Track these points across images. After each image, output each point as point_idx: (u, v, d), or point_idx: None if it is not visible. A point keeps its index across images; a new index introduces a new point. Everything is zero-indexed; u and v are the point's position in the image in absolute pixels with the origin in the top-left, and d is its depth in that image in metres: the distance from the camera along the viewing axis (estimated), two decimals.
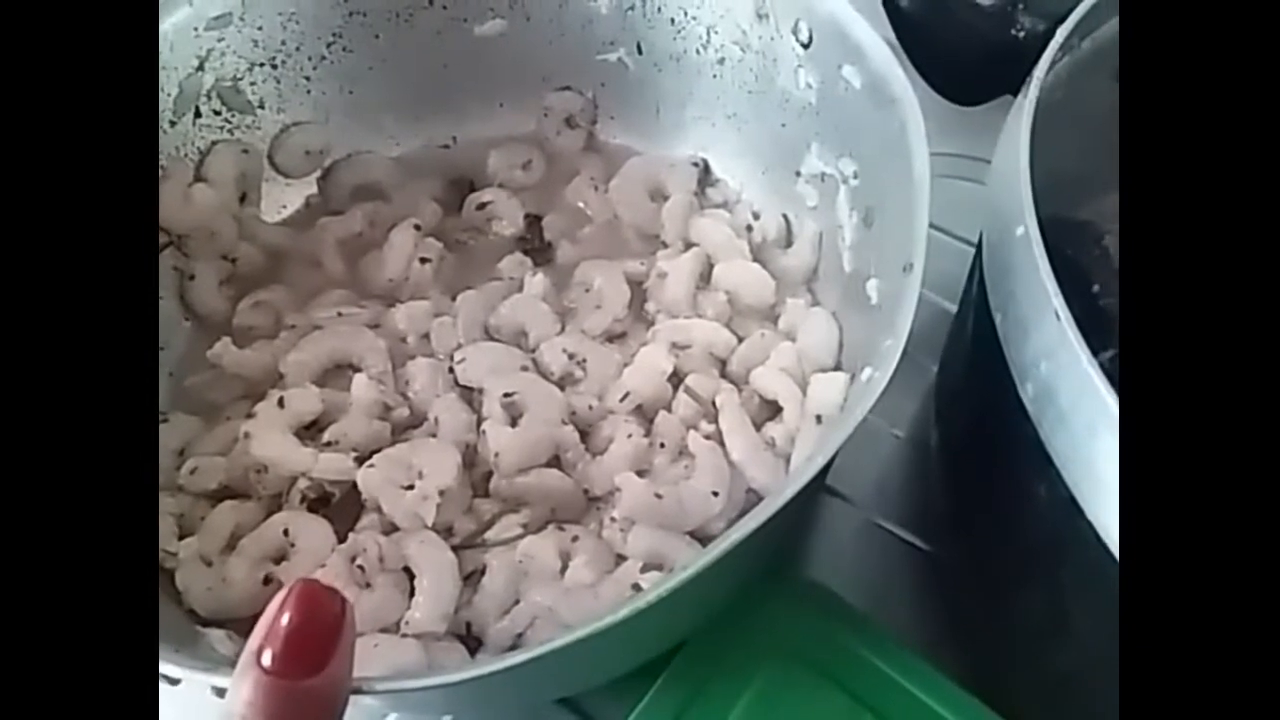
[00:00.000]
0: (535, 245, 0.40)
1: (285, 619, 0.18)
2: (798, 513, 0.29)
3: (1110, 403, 0.19)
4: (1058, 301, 0.21)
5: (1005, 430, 0.24)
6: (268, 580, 0.30)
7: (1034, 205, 0.23)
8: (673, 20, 0.38)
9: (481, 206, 0.40)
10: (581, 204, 0.40)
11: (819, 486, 0.34)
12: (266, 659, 0.18)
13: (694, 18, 0.37)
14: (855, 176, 0.33)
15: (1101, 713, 0.26)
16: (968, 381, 0.30)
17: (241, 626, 0.30)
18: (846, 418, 0.24)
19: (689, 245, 0.38)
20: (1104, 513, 0.21)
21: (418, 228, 0.39)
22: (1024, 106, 0.26)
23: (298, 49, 0.39)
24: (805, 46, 0.34)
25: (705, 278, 0.37)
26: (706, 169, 0.40)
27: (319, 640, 0.18)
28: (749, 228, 0.38)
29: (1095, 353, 0.21)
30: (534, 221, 0.40)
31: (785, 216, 0.38)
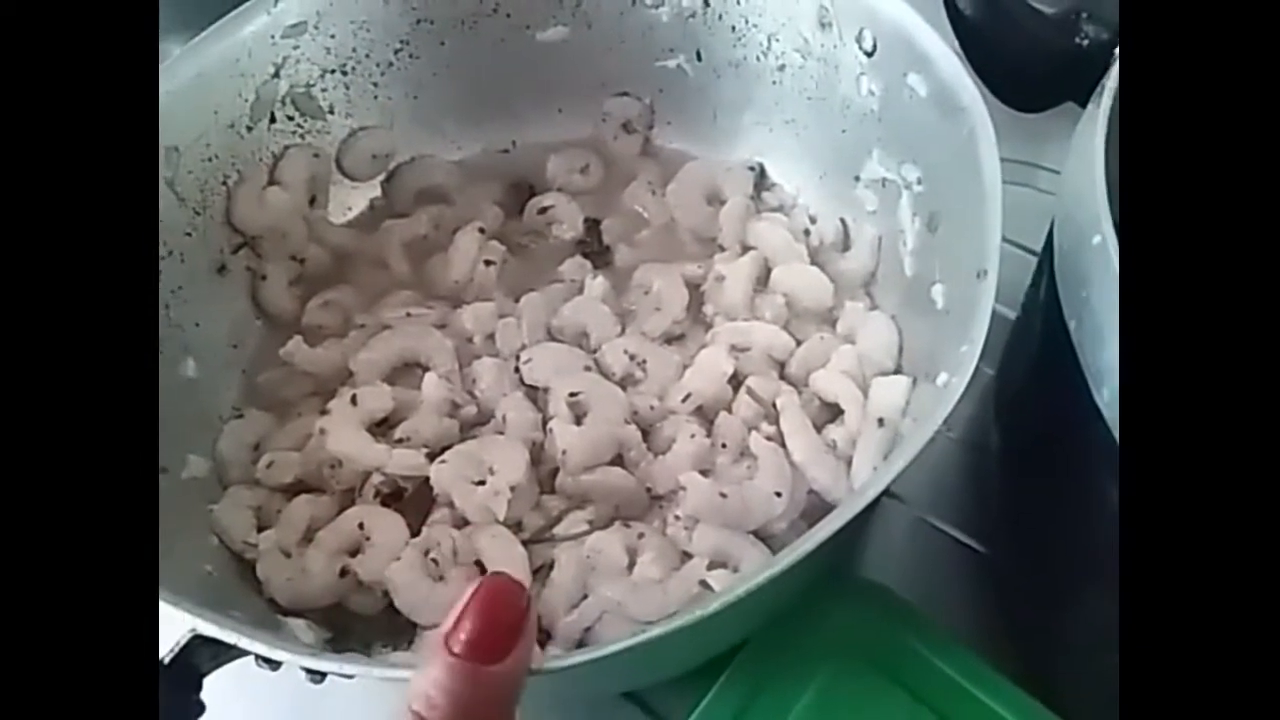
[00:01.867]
0: (594, 248, 0.40)
1: (475, 611, 0.20)
2: (864, 519, 0.29)
3: None
4: None
5: (1075, 433, 0.25)
6: (344, 572, 0.32)
7: (1110, 213, 0.24)
8: (733, 28, 0.39)
9: (543, 210, 0.41)
10: (639, 208, 0.41)
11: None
12: (456, 644, 0.20)
13: (755, 25, 0.38)
14: (919, 183, 0.34)
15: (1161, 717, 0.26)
16: (1033, 385, 0.30)
17: (319, 616, 0.31)
18: (924, 424, 0.24)
19: (746, 249, 0.39)
20: None
21: (481, 231, 0.40)
22: (1096, 116, 0.26)
23: (367, 56, 0.40)
24: (869, 55, 0.34)
25: (762, 281, 0.38)
26: (763, 173, 0.41)
27: (504, 631, 0.20)
28: (806, 231, 0.39)
29: None
30: (593, 225, 0.41)
31: (843, 220, 0.38)
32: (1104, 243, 0.23)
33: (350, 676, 0.24)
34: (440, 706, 0.19)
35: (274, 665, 0.23)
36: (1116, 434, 0.22)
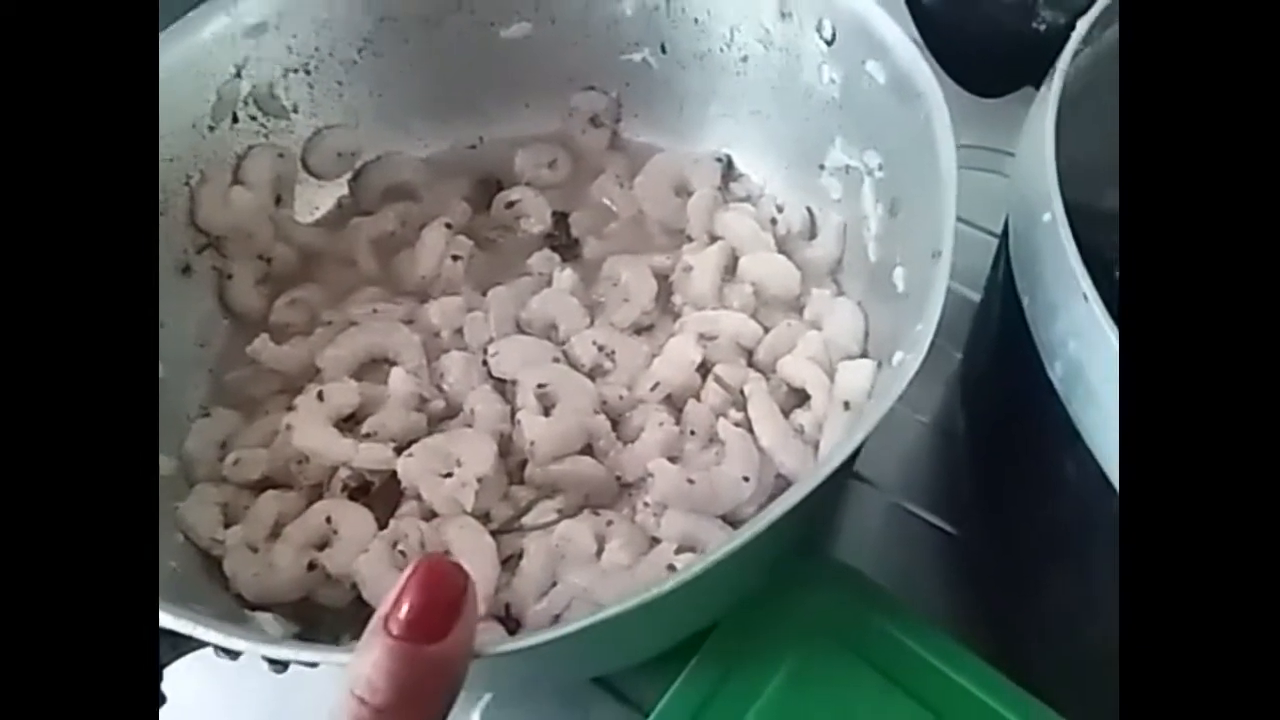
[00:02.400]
0: (563, 242, 0.40)
1: (412, 591, 0.20)
2: (827, 497, 0.29)
3: None
4: (1085, 283, 0.22)
5: (1034, 411, 0.25)
6: (311, 566, 0.31)
7: (1060, 192, 0.24)
8: (696, 20, 0.39)
9: (510, 205, 0.41)
10: (607, 201, 0.41)
11: (848, 472, 0.35)
12: (395, 625, 0.20)
13: (717, 17, 0.38)
14: (880, 169, 0.34)
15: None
16: (994, 365, 0.30)
17: (287, 610, 0.31)
18: (880, 401, 0.24)
19: (714, 239, 0.39)
20: None
21: (449, 226, 0.40)
22: (1048, 97, 0.26)
23: (330, 54, 0.40)
24: (828, 43, 0.35)
25: (730, 270, 0.38)
26: (730, 164, 0.41)
27: (443, 610, 0.20)
28: (773, 220, 0.39)
29: None
30: (561, 219, 0.41)
31: (809, 209, 0.39)
32: (1054, 220, 0.23)
33: (313, 665, 0.24)
34: (381, 689, 0.19)
35: (233, 655, 0.23)
36: (1070, 410, 0.23)
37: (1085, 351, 0.22)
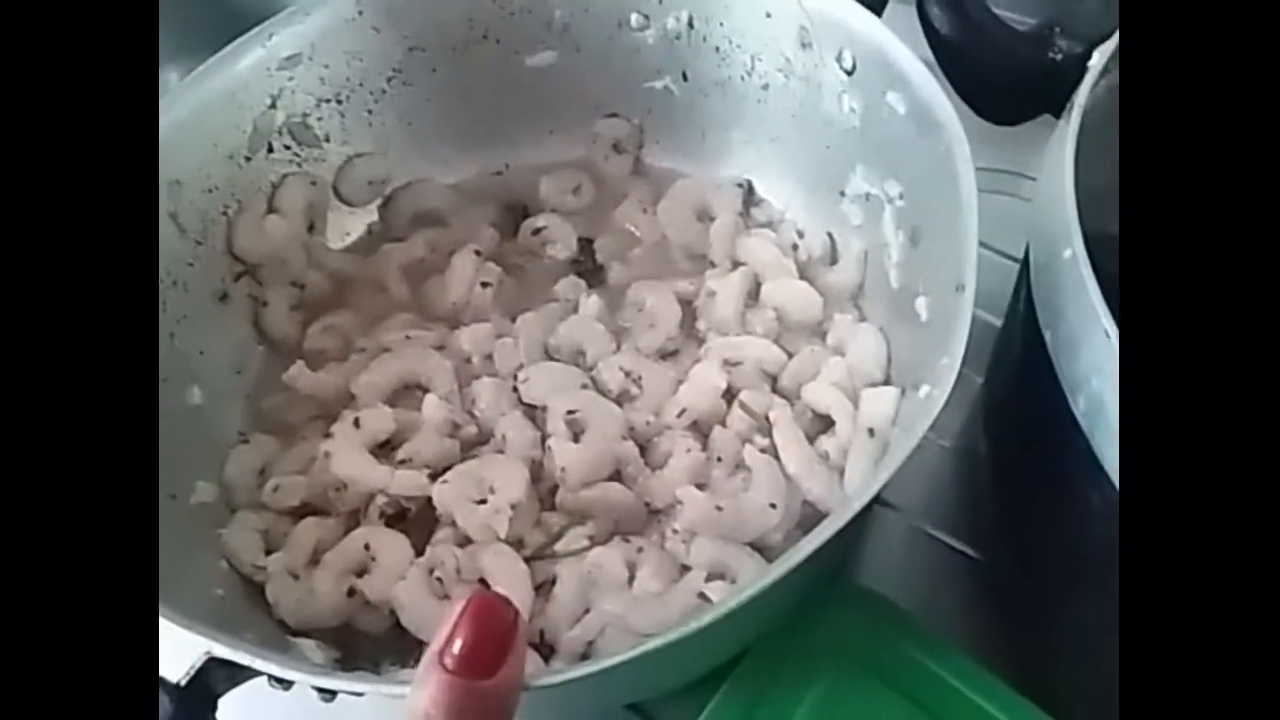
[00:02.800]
0: (588, 267, 0.41)
1: (464, 626, 0.21)
2: (856, 527, 0.30)
3: None
4: (1107, 321, 0.22)
5: (1057, 441, 0.25)
6: (351, 592, 0.32)
7: (1080, 228, 0.24)
8: (718, 49, 0.40)
9: (536, 231, 0.42)
10: (631, 226, 0.42)
11: (875, 498, 0.35)
12: (449, 660, 0.20)
13: (738, 46, 0.39)
14: (901, 197, 0.34)
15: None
16: (1017, 393, 0.31)
17: (328, 636, 0.32)
18: (907, 435, 0.25)
19: (736, 264, 0.39)
20: None
21: (478, 253, 0.40)
22: (1067, 131, 0.27)
23: (361, 84, 0.41)
24: (849, 73, 0.35)
25: (753, 295, 0.39)
26: (751, 190, 0.41)
27: (495, 644, 0.21)
28: (794, 246, 0.40)
29: None
30: (586, 244, 0.42)
31: (830, 235, 0.39)
32: (1075, 256, 0.24)
33: (360, 694, 0.24)
34: None
35: (286, 685, 0.24)
36: (1092, 443, 0.23)
37: (1107, 389, 0.22)
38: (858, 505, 0.24)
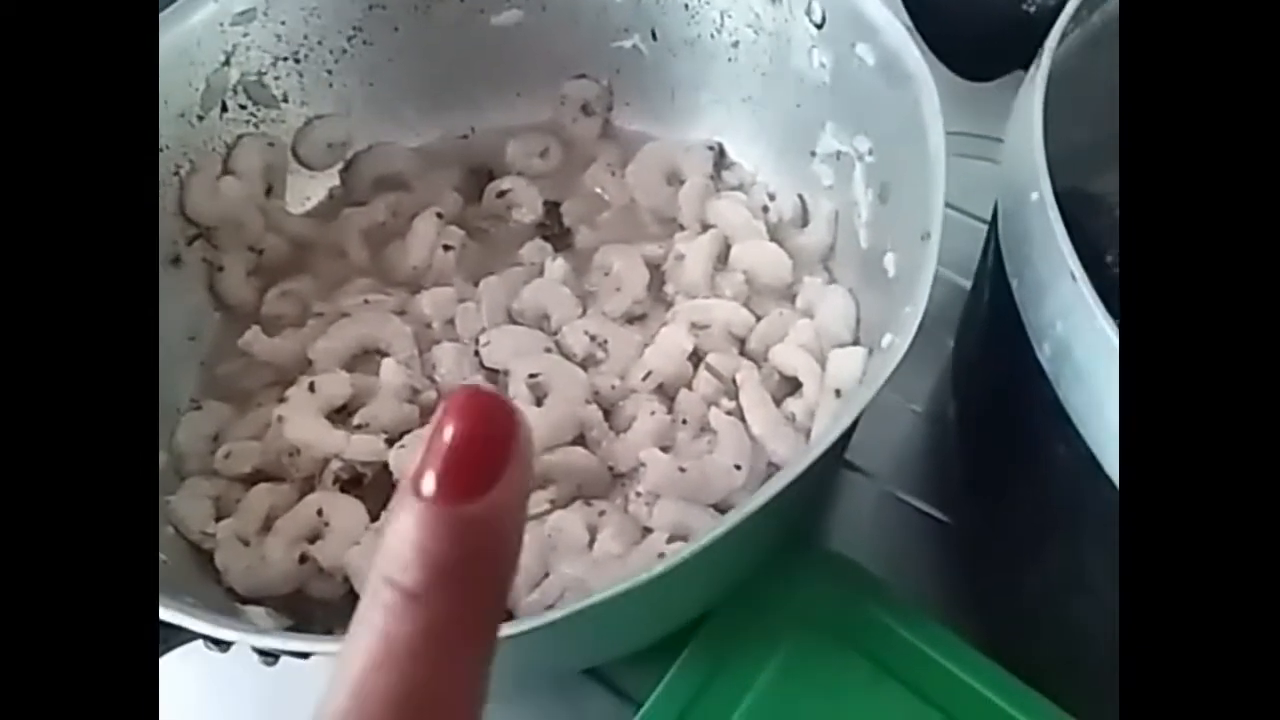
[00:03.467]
0: (555, 231, 0.40)
1: (447, 434, 0.14)
2: (817, 483, 0.29)
3: None
4: (1073, 262, 0.22)
5: (1023, 394, 0.25)
6: (303, 559, 0.31)
7: (1048, 172, 0.24)
8: (686, 6, 0.39)
9: (501, 194, 0.41)
10: (599, 189, 0.41)
11: (838, 457, 0.34)
12: (427, 484, 0.14)
13: (707, 2, 0.38)
14: (870, 154, 0.34)
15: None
16: (984, 350, 0.30)
17: (279, 604, 0.31)
18: (868, 385, 0.24)
19: (706, 227, 0.39)
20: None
21: (440, 216, 0.39)
22: (1035, 78, 0.26)
23: (319, 43, 0.39)
24: (818, 26, 0.34)
25: (723, 259, 0.38)
26: (722, 152, 0.41)
27: (487, 454, 0.14)
28: (765, 208, 0.39)
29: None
30: (553, 208, 0.41)
31: (801, 196, 0.38)
32: (1041, 200, 0.23)
33: (304, 655, 0.24)
34: (412, 566, 0.14)
35: (224, 647, 0.23)
36: (1058, 391, 0.23)
37: (1073, 332, 0.22)
38: (815, 453, 0.23)
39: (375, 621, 0.14)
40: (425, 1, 0.40)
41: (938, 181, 0.27)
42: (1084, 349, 0.21)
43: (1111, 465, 0.22)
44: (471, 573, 0.14)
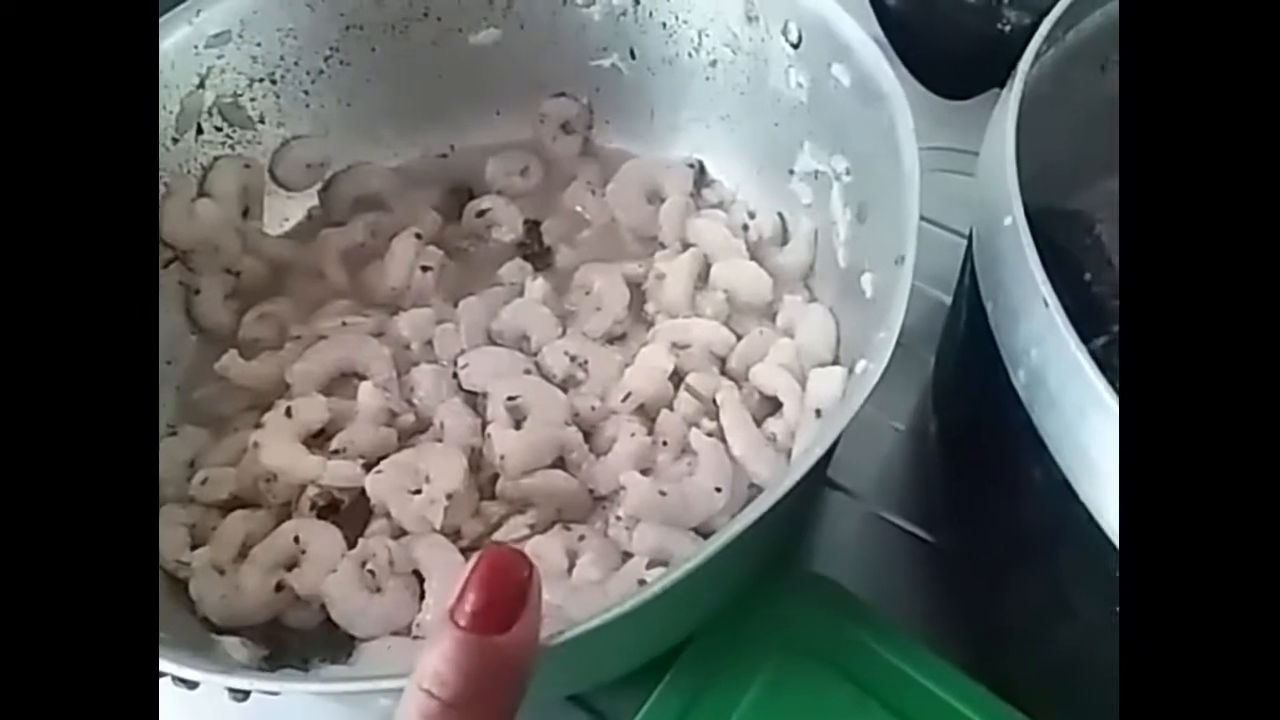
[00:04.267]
0: (535, 250, 0.40)
1: (477, 581, 0.20)
2: (799, 504, 0.29)
3: (1098, 386, 0.20)
4: (1045, 289, 0.22)
5: (1000, 417, 0.25)
6: (280, 587, 0.31)
7: (1021, 196, 0.24)
8: (664, 25, 0.39)
9: (481, 214, 0.41)
10: (579, 208, 0.41)
11: (820, 478, 0.34)
12: (462, 617, 0.19)
13: (685, 22, 0.38)
14: (848, 173, 0.34)
15: (1105, 693, 0.26)
16: (962, 371, 0.30)
17: (255, 633, 0.31)
18: (843, 410, 0.24)
19: (686, 246, 0.38)
20: (1096, 494, 0.21)
21: (419, 236, 0.39)
22: (1009, 99, 0.26)
23: (296, 64, 0.39)
24: (795, 46, 0.34)
25: (703, 277, 0.38)
26: (702, 170, 0.41)
27: (509, 597, 0.20)
28: (745, 227, 0.39)
29: (1087, 340, 0.22)
30: (533, 227, 0.41)
31: (780, 215, 0.38)
32: (1014, 225, 0.23)
33: (274, 694, 0.23)
34: (450, 682, 0.19)
35: (191, 686, 0.22)
36: (1033, 417, 0.22)
37: (1046, 359, 0.22)
38: (795, 477, 0.23)
39: None
40: (403, 21, 0.40)
41: (912, 203, 0.27)
42: (1057, 377, 0.21)
43: (1084, 490, 0.21)
44: (497, 686, 0.19)
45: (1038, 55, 0.28)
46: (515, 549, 0.21)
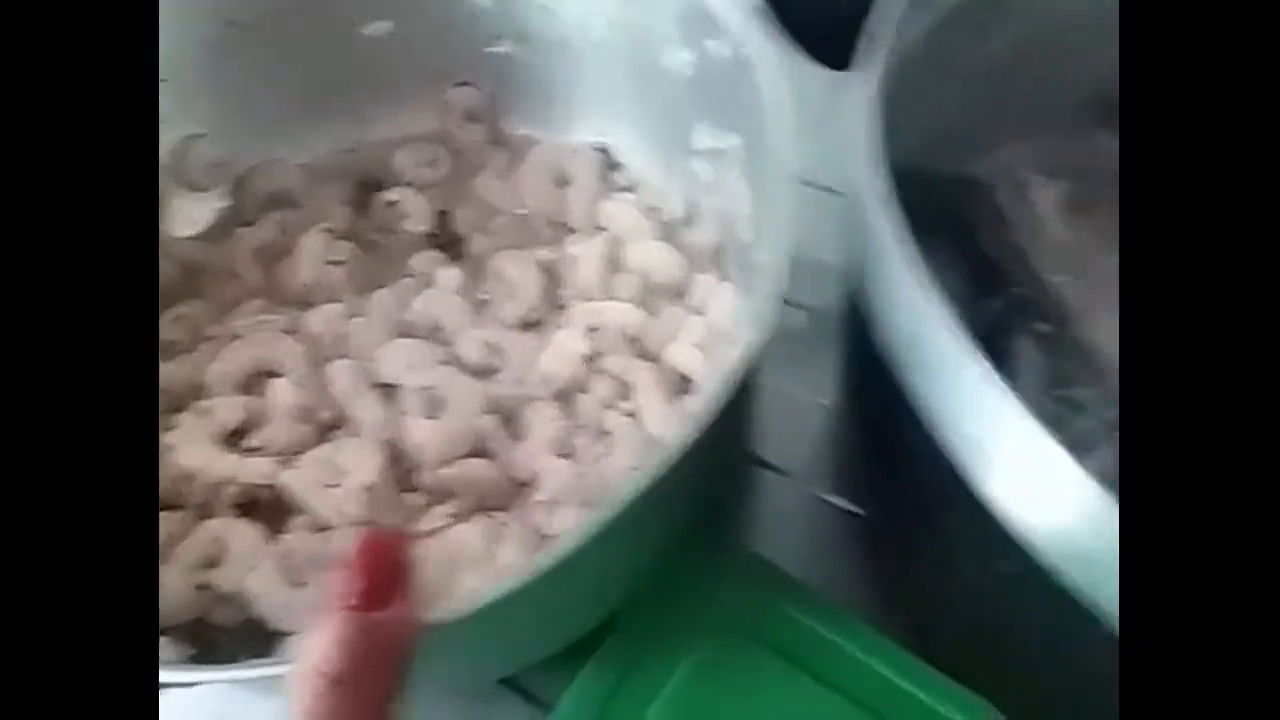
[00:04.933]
0: (447, 240, 0.40)
1: (355, 562, 0.21)
2: (705, 476, 0.30)
3: (965, 351, 0.20)
4: (904, 255, 0.22)
5: (886, 383, 0.25)
6: (203, 587, 0.31)
7: (887, 164, 0.24)
8: (544, 6, 0.38)
9: (390, 205, 0.41)
10: (490, 196, 0.41)
11: (729, 448, 0.35)
12: (342, 597, 0.21)
13: (567, 2, 0.38)
14: (742, 149, 0.34)
15: (1017, 652, 0.27)
16: (857, 343, 0.31)
17: (180, 633, 0.31)
18: (719, 371, 0.24)
19: (598, 230, 0.39)
20: (969, 459, 0.22)
21: (330, 231, 0.39)
22: (869, 83, 0.26)
23: (183, 63, 0.38)
24: (676, 21, 0.34)
25: (616, 261, 0.38)
26: (609, 154, 0.41)
27: (385, 574, 0.21)
28: (654, 208, 0.39)
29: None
30: (444, 217, 0.41)
31: (687, 195, 0.39)
32: (875, 197, 0.24)
33: (190, 685, 0.23)
34: (335, 658, 0.20)
35: None
36: (906, 377, 0.23)
37: (917, 327, 0.22)
38: (683, 439, 0.23)
39: (305, 701, 0.19)
40: (281, 15, 0.39)
41: (788, 168, 0.27)
42: (932, 346, 0.22)
43: (960, 458, 0.22)
44: (381, 660, 0.20)
45: (900, 22, 0.28)
46: (392, 529, 0.22)
